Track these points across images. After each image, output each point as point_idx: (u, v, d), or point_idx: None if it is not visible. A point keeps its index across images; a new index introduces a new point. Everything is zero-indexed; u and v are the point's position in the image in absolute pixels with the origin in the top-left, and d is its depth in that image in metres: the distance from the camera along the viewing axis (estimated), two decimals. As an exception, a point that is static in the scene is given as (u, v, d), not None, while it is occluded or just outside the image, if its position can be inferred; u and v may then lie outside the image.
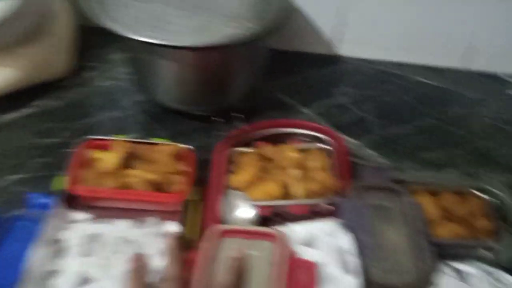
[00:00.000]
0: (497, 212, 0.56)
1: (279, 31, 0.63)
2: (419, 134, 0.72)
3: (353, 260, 0.44)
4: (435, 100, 0.79)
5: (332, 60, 0.86)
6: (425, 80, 0.82)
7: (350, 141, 0.70)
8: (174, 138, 0.67)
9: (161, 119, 0.71)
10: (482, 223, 0.54)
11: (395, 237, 0.48)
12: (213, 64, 0.63)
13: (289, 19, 0.63)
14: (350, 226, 0.46)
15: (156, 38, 0.57)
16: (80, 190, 0.54)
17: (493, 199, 0.57)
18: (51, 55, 0.74)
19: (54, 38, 0.74)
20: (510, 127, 0.74)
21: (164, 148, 0.56)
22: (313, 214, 0.52)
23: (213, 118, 0.70)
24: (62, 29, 0.76)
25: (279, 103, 0.76)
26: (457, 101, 0.78)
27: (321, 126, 0.60)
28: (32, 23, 0.70)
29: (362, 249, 0.45)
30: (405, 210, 0.50)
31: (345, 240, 0.45)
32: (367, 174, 0.52)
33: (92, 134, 0.60)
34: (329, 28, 0.83)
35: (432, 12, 0.78)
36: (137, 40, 0.58)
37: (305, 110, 0.75)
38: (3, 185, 0.61)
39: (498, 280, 0.47)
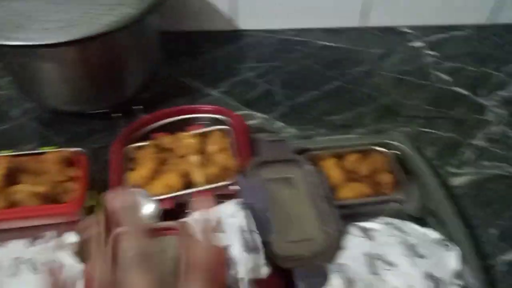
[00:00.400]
0: (401, 164, 0.57)
1: (163, 13, 0.60)
2: (325, 99, 0.72)
3: (255, 238, 0.43)
4: (338, 62, 0.79)
5: (233, 36, 0.84)
6: (327, 43, 0.82)
7: (258, 116, 0.69)
8: (71, 142, 0.64)
9: (55, 125, 0.67)
10: (386, 178, 0.55)
11: (298, 207, 0.48)
12: (94, 57, 0.59)
13: (165, 1, 0.59)
14: (249, 204, 0.45)
15: (22, 39, 0.52)
16: None
17: (396, 152, 0.58)
18: None
19: None
20: (411, 77, 0.76)
21: (51, 156, 0.52)
22: (219, 198, 0.50)
23: (112, 115, 0.66)
24: None
25: (183, 88, 0.74)
26: (360, 60, 0.79)
27: (216, 107, 0.58)
28: None
29: (263, 225, 0.44)
30: (306, 178, 0.50)
31: (245, 218, 0.44)
32: (265, 149, 0.51)
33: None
34: (225, 2, 0.81)
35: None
36: (6, 46, 0.53)
37: (211, 91, 0.73)
38: None
39: (402, 230, 0.48)
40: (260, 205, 0.45)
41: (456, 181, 0.61)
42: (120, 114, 0.65)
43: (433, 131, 0.67)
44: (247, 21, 0.84)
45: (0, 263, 0.46)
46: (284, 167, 0.51)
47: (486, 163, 0.63)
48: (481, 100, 0.72)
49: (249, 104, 0.71)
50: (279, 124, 0.68)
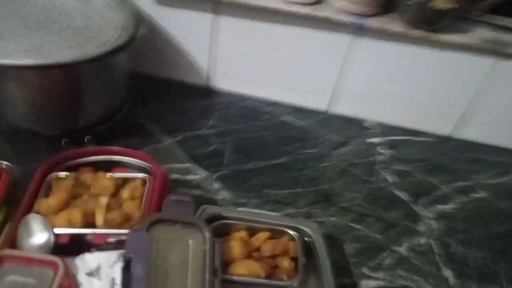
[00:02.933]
0: (307, 253, 0.58)
1: (140, 54, 0.64)
2: (270, 172, 0.75)
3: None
4: (295, 139, 0.82)
5: (206, 92, 0.88)
6: (292, 120, 0.86)
7: (200, 172, 0.72)
8: (15, 157, 0.67)
9: (9, 139, 0.70)
10: (286, 263, 0.55)
11: (181, 272, 0.48)
12: (55, 84, 0.63)
13: (127, 47, 0.64)
14: (128, 257, 0.46)
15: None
16: None
17: (310, 240, 0.59)
18: None
19: None
20: (357, 171, 0.77)
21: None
22: (115, 244, 0.52)
23: (63, 140, 0.69)
24: None
25: (140, 129, 0.77)
26: (316, 143, 0.82)
27: (145, 155, 0.61)
28: None
29: (134, 282, 0.45)
30: (201, 246, 0.51)
31: (116, 270, 0.46)
32: (170, 207, 0.53)
33: None
34: (204, 60, 0.86)
35: (304, 55, 0.82)
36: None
37: (165, 138, 0.77)
38: None
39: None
40: (138, 262, 0.46)
41: (365, 284, 0.61)
42: (67, 140, 0.68)
43: (360, 227, 0.68)
44: (223, 82, 0.88)
45: None
46: (182, 230, 0.52)
47: (401, 272, 0.63)
48: (418, 209, 0.72)
49: (196, 159, 0.74)
50: (217, 185, 0.70)
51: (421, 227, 0.70)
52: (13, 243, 0.50)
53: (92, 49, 0.62)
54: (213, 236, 0.52)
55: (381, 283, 0.61)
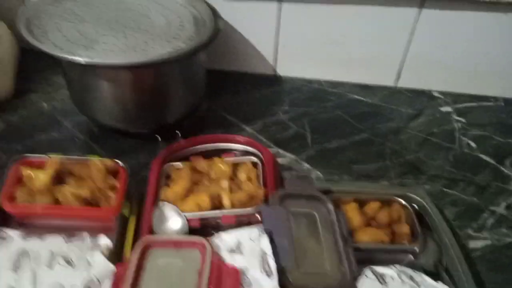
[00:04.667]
0: (420, 218, 0.59)
1: (210, 50, 0.66)
2: (352, 148, 0.76)
3: (270, 263, 0.46)
4: (368, 115, 0.83)
5: (273, 80, 0.90)
6: (359, 97, 0.87)
7: (287, 155, 0.73)
8: (113, 156, 0.68)
9: (101, 139, 0.72)
10: (404, 229, 0.57)
11: (316, 242, 0.50)
12: (146, 82, 0.65)
13: (214, 40, 0.66)
14: (269, 231, 0.48)
15: (90, 58, 0.59)
16: (11, 207, 0.54)
17: (416, 206, 0.61)
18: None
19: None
20: (437, 139, 0.79)
21: (96, 164, 0.57)
22: (242, 223, 0.53)
23: (156, 136, 0.71)
24: (4, 53, 0.77)
25: (221, 121, 0.79)
26: (390, 117, 0.83)
27: (250, 140, 0.63)
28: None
29: (281, 253, 0.46)
30: (327, 217, 0.53)
31: (265, 244, 0.47)
32: (292, 184, 0.55)
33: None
34: (269, 50, 0.87)
35: (365, 33, 0.83)
36: (72, 61, 0.60)
37: (246, 127, 0.78)
38: None
39: (415, 280, 0.50)
40: (280, 234, 0.48)
41: (473, 244, 0.62)
42: (160, 137, 0.70)
43: (455, 192, 0.69)
44: (288, 68, 0.90)
45: (38, 254, 0.50)
46: (307, 203, 0.54)
47: (504, 230, 0.64)
48: (505, 170, 0.73)
49: (279, 143, 0.75)
50: (306, 165, 0.72)
51: (512, 186, 0.71)
52: (150, 231, 0.52)
53: (181, 46, 0.64)
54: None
55: (488, 242, 0.62)
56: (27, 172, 0.56)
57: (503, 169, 0.74)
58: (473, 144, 0.78)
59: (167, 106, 0.70)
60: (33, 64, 0.84)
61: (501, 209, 0.67)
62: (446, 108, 0.85)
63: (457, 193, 0.69)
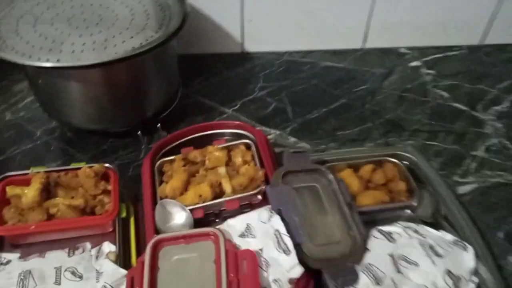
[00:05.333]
0: (412, 174, 0.61)
1: (180, 36, 0.64)
2: (333, 115, 0.77)
3: (286, 241, 0.46)
4: (343, 81, 0.84)
5: (243, 58, 0.89)
6: (332, 64, 0.87)
7: (271, 132, 0.73)
8: (95, 159, 0.66)
9: (78, 143, 0.69)
10: (400, 186, 0.58)
11: (323, 214, 0.51)
12: (120, 78, 0.63)
13: (185, 24, 0.63)
14: (278, 210, 0.48)
15: (53, 61, 0.55)
16: (3, 230, 0.51)
17: (407, 163, 0.63)
18: None
19: None
20: (412, 94, 0.81)
21: (84, 172, 0.54)
22: (247, 206, 0.53)
23: (138, 133, 0.69)
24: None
25: (199, 107, 0.77)
26: (364, 79, 0.84)
27: (239, 123, 0.62)
28: None
29: (292, 229, 0.47)
30: (329, 187, 0.53)
31: (276, 223, 0.47)
32: (288, 160, 0.55)
33: (6, 171, 0.57)
34: (236, 28, 0.86)
35: (329, 1, 0.83)
36: (35, 66, 0.56)
37: (225, 110, 0.77)
38: None
39: (420, 233, 0.52)
40: (289, 211, 0.48)
41: (462, 189, 0.65)
42: (141, 133, 0.68)
43: (437, 143, 0.72)
44: (256, 44, 0.88)
45: (43, 273, 0.48)
46: (307, 177, 0.54)
47: (488, 172, 0.67)
48: (478, 115, 0.77)
49: (261, 121, 0.75)
50: (292, 139, 0.72)
51: (487, 129, 0.74)
52: (154, 230, 0.50)
53: (152, 35, 0.61)
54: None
55: (475, 185, 0.66)
56: (13, 191, 0.53)
57: (477, 114, 0.77)
58: (446, 94, 0.80)
59: (144, 100, 0.68)
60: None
61: (481, 152, 0.70)
62: (415, 63, 0.87)
63: (439, 143, 0.72)
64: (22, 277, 0.47)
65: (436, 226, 0.55)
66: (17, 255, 0.50)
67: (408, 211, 0.57)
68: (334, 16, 0.85)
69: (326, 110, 0.78)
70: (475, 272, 0.50)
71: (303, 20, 0.85)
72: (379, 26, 0.87)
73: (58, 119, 0.69)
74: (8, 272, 0.48)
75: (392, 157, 0.62)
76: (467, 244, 0.51)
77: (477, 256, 0.51)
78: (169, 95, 0.72)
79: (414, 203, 0.57)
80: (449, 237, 0.52)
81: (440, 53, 0.89)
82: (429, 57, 0.88)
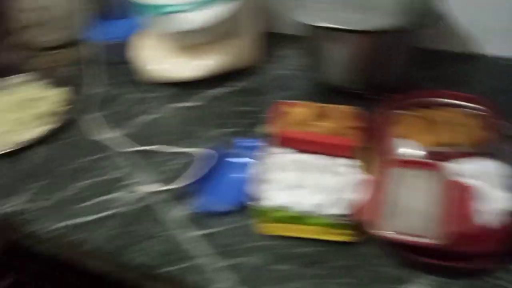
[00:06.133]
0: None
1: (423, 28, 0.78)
2: None
3: (508, 181, 0.55)
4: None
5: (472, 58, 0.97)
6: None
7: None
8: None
9: (328, 98, 0.88)
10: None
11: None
12: (373, 48, 0.80)
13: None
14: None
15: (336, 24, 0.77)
16: (283, 132, 0.70)
17: None
18: (244, 48, 0.98)
19: (246, 36, 0.98)
20: None
21: (341, 109, 0.72)
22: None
23: (373, 96, 0.83)
24: (251, 31, 1.00)
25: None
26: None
27: (474, 96, 0.72)
28: (235, 24, 0.94)
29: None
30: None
31: (502, 169, 0.57)
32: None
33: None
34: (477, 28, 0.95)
35: None
36: (320, 27, 0.78)
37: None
38: (213, 135, 0.84)
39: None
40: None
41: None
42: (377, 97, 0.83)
43: None
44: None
45: (312, 164, 0.67)
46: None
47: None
48: None
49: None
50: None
51: None
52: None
53: (400, 19, 0.77)
54: None
55: None
56: (290, 109, 0.73)
57: None
58: None
59: (384, 70, 0.86)
60: (273, 43, 1.06)
61: None
62: None
63: None
64: (294, 161, 0.67)
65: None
66: (288, 150, 0.70)
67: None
68: None
69: None
70: None
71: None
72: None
73: (317, 76, 0.90)
74: (283, 157, 0.68)
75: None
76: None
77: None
78: (400, 72, 0.88)
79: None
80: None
81: None
82: None
